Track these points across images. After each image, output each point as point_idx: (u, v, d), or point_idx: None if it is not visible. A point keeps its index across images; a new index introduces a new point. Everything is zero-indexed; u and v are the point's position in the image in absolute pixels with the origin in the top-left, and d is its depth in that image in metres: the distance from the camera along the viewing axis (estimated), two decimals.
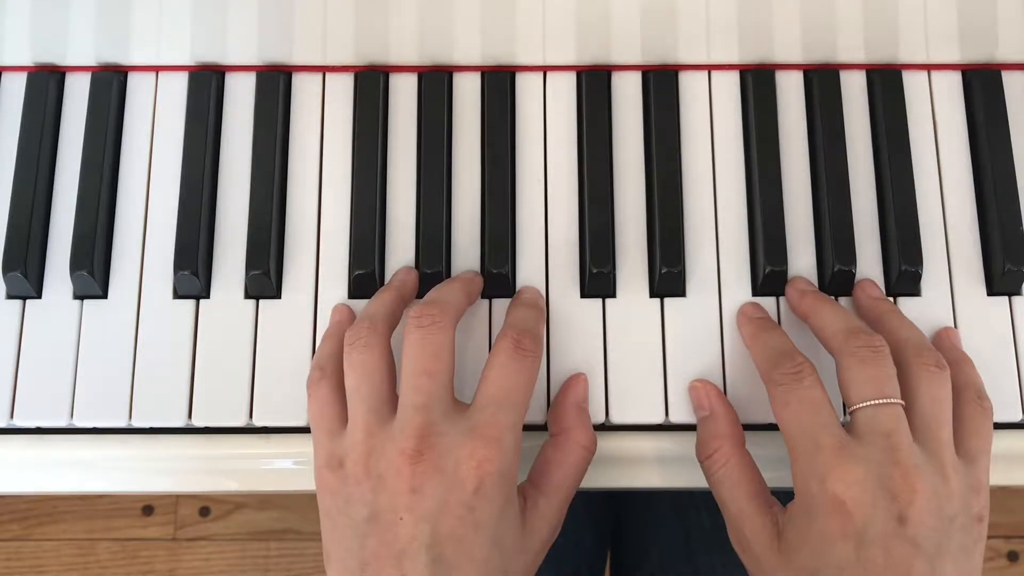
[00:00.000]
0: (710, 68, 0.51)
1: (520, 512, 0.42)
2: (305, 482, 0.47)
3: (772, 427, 0.46)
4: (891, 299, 0.48)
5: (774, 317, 0.48)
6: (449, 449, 0.39)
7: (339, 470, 0.41)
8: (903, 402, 0.41)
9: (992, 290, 0.48)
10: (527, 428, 0.46)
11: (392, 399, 0.42)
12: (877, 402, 0.40)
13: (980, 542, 0.41)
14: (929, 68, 0.51)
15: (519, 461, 0.41)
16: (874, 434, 0.40)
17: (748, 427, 0.46)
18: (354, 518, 0.40)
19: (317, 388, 0.43)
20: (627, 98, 0.51)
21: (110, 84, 0.50)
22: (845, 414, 0.44)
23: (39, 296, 0.48)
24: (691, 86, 0.51)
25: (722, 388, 0.47)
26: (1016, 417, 0.47)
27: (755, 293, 0.48)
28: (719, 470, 0.44)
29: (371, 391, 0.41)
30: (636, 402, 0.46)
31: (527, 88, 0.51)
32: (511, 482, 0.41)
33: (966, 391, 0.43)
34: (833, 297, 0.48)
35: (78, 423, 0.47)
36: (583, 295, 0.48)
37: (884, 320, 0.45)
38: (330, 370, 0.44)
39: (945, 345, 0.46)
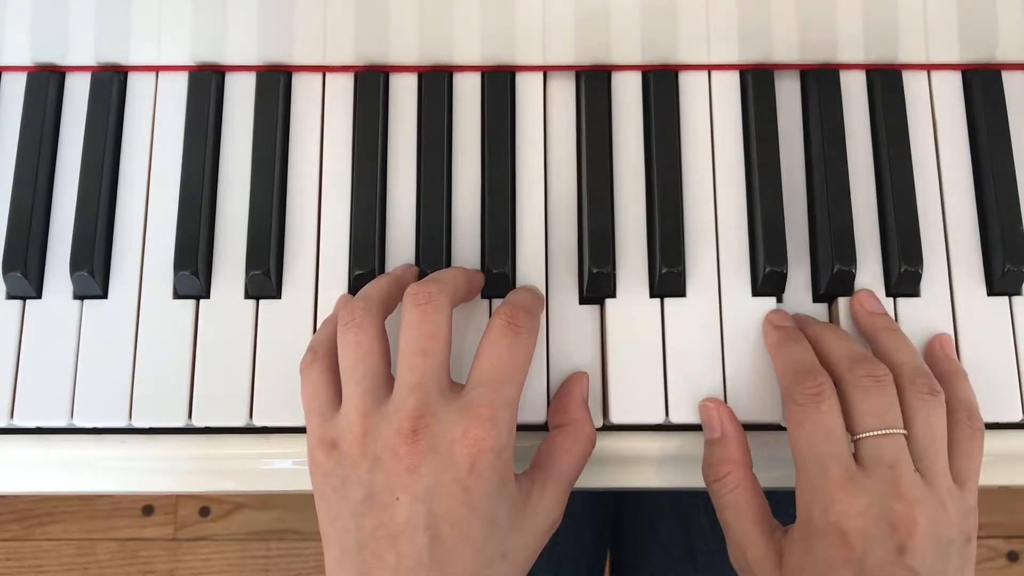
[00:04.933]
0: (710, 68, 0.51)
1: (525, 493, 0.42)
2: (305, 482, 0.46)
3: (773, 427, 0.47)
4: (890, 301, 0.48)
5: None
6: (444, 429, 0.39)
7: (333, 452, 0.41)
8: (905, 432, 0.42)
9: (992, 290, 0.48)
10: (526, 428, 0.46)
11: (387, 380, 0.42)
12: (880, 433, 0.41)
13: (971, 560, 0.42)
14: (929, 68, 0.51)
15: (515, 438, 0.41)
16: (878, 464, 0.41)
17: (747, 427, 0.46)
18: (350, 499, 0.40)
19: (310, 370, 0.43)
20: (627, 98, 0.50)
21: (110, 84, 0.50)
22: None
23: (39, 296, 0.48)
24: (691, 86, 0.51)
25: (721, 388, 0.47)
26: (1016, 417, 0.47)
27: (755, 293, 0.48)
28: (727, 495, 0.44)
29: (366, 372, 0.41)
30: (636, 402, 0.46)
31: (527, 88, 0.51)
32: (506, 460, 0.40)
33: (957, 412, 0.44)
34: (832, 300, 0.48)
35: (78, 423, 0.47)
36: (583, 295, 0.48)
37: (880, 339, 0.45)
38: (322, 353, 0.43)
39: (938, 356, 0.46)
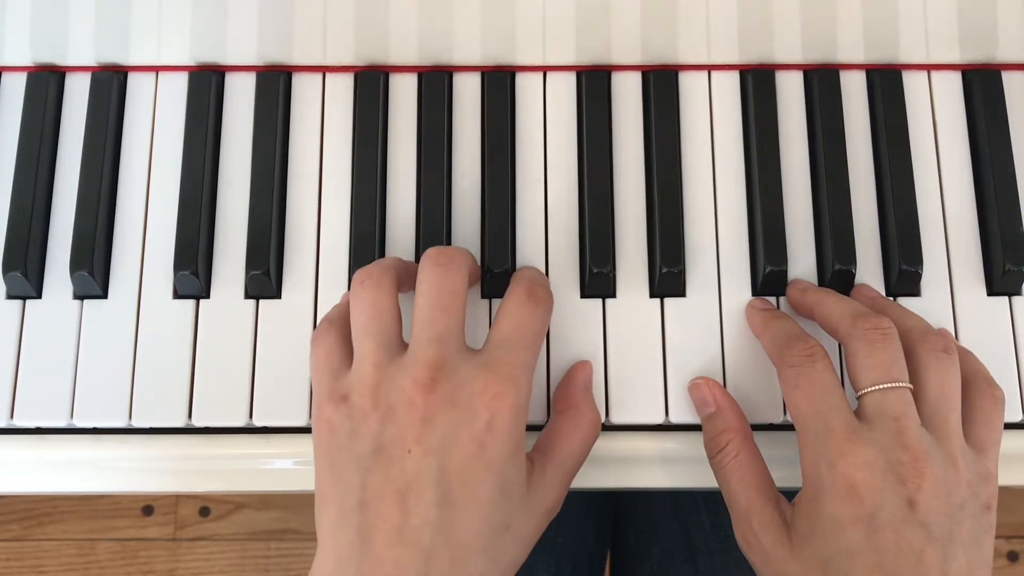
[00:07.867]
0: (710, 68, 0.51)
1: (529, 471, 0.41)
2: (305, 482, 0.46)
3: (773, 427, 0.47)
4: (890, 299, 0.48)
5: None
6: (463, 382, 0.39)
7: (343, 404, 0.40)
8: (911, 386, 0.41)
9: (992, 290, 0.48)
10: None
11: (401, 340, 0.41)
12: (885, 386, 0.40)
13: (990, 531, 0.41)
14: (929, 68, 0.51)
15: (529, 403, 0.41)
16: (883, 418, 0.40)
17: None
18: (357, 453, 0.39)
19: (325, 335, 0.42)
20: (627, 98, 0.51)
21: (110, 84, 0.50)
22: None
23: (39, 296, 0.48)
24: (691, 86, 0.51)
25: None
26: (1016, 417, 0.47)
27: (755, 293, 0.48)
28: (730, 463, 0.43)
29: (381, 328, 0.41)
30: (636, 402, 0.46)
31: (527, 88, 0.51)
32: (522, 424, 0.40)
33: (976, 380, 0.43)
34: None
35: (78, 423, 0.47)
36: (583, 295, 0.48)
37: (886, 313, 0.44)
38: (339, 323, 0.43)
39: None
